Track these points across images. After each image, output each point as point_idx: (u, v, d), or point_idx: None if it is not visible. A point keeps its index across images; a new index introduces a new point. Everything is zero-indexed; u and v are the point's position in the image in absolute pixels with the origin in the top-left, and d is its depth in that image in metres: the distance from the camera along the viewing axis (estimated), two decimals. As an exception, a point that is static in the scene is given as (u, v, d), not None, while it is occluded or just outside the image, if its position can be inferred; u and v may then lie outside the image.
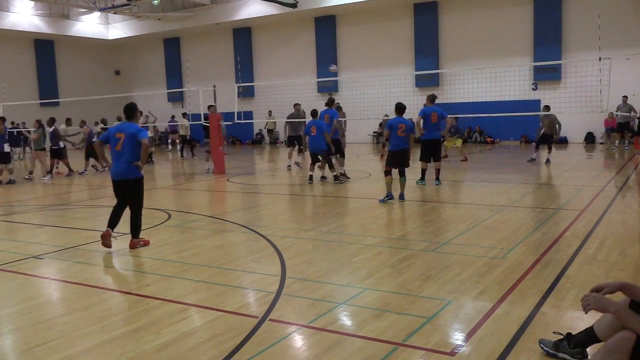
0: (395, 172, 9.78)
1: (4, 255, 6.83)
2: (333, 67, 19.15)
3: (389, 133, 9.68)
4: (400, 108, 9.92)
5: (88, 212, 10.23)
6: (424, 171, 11.75)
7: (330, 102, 13.63)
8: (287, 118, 16.53)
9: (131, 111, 7.12)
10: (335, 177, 12.63)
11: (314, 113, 13.03)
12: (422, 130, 11.50)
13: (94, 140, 16.36)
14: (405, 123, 9.66)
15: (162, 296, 5.06)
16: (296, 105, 16.83)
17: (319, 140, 12.38)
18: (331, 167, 12.67)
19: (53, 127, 16.77)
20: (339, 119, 13.77)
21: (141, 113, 20.02)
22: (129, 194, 7.09)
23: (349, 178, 13.00)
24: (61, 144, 16.63)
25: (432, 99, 11.74)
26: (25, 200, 12.40)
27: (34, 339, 4.18)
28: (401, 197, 9.66)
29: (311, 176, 12.83)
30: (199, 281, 5.54)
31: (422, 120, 11.46)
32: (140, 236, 7.07)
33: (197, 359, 3.76)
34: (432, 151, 11.57)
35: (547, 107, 15.68)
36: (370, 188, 11.90)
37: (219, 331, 4.19)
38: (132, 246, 6.92)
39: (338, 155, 13.06)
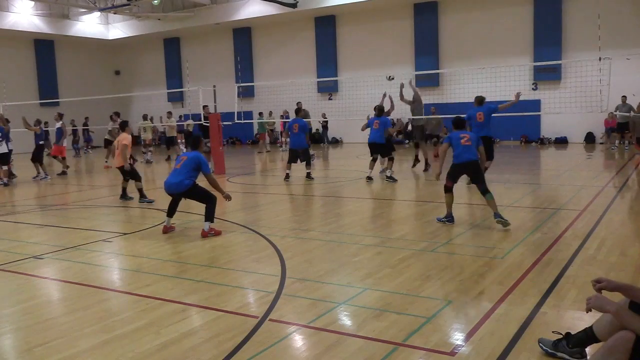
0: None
1: (4, 255, 6.84)
2: (390, 76, 18.81)
3: (448, 146, 7.86)
4: (458, 123, 8.15)
5: (88, 212, 10.23)
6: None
7: (297, 111, 14.36)
8: (288, 118, 16.82)
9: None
10: (308, 175, 13.46)
11: (297, 111, 14.10)
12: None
13: (41, 142, 16.30)
14: (469, 133, 7.96)
15: (162, 296, 5.06)
16: (298, 104, 17.39)
17: (301, 138, 13.17)
18: (309, 164, 13.57)
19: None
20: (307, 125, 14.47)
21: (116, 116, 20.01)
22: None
23: (313, 179, 13.53)
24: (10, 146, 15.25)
25: (479, 100, 11.72)
26: (25, 200, 12.40)
27: (34, 339, 4.18)
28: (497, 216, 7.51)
29: (287, 174, 13.41)
30: (199, 281, 5.54)
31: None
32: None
33: (197, 359, 3.76)
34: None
35: None
36: (370, 188, 11.90)
37: (219, 331, 4.20)
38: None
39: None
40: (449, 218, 7.79)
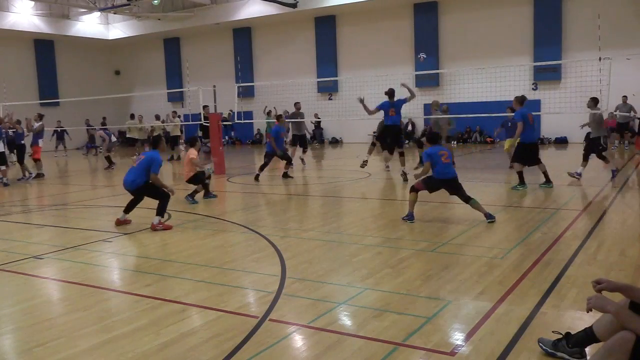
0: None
1: (4, 255, 6.84)
2: (422, 56, 18.24)
3: (429, 165, 7.98)
4: (433, 138, 8.30)
5: (88, 212, 10.23)
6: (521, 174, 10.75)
7: (278, 117, 14.46)
8: (289, 117, 16.86)
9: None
10: (285, 175, 13.74)
11: (278, 117, 14.36)
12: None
13: (22, 141, 16.08)
14: (446, 150, 8.21)
15: (162, 296, 5.07)
16: (296, 104, 17.13)
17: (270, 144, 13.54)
18: (289, 163, 13.80)
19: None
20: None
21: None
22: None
23: (292, 177, 13.79)
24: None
25: (520, 100, 10.84)
26: (25, 200, 12.41)
27: (34, 339, 4.18)
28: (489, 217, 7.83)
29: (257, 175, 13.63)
30: (199, 281, 5.54)
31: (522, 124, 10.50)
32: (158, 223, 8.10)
33: (197, 359, 3.76)
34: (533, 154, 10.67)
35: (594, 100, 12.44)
36: (370, 188, 11.90)
37: (219, 331, 4.20)
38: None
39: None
40: (409, 216, 8.03)
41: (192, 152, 10.87)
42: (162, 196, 8.20)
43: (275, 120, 14.41)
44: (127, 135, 22.21)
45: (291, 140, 17.51)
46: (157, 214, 8.09)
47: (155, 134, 21.49)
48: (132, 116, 23.11)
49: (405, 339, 3.94)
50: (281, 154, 13.51)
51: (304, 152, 16.77)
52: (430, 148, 8.15)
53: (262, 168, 13.66)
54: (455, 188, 8.06)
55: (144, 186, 8.22)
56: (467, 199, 7.92)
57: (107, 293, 5.37)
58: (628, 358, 2.91)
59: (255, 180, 13.43)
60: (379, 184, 12.74)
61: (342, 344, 3.89)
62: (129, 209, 8.51)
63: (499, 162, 16.14)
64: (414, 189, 8.12)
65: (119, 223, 8.42)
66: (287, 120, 16.69)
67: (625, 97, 19.01)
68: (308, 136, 20.32)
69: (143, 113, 24.69)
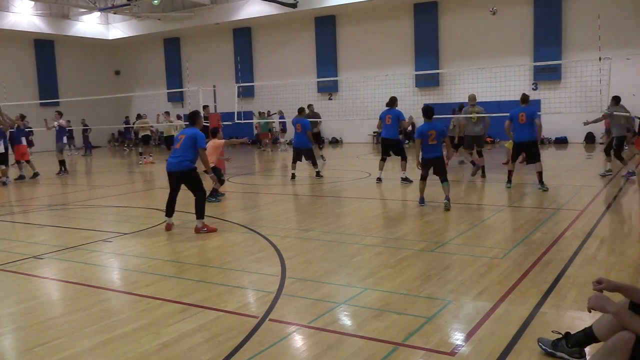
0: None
1: (4, 255, 6.84)
2: (494, 9, 17.54)
3: (420, 142, 9.04)
4: (427, 112, 9.24)
5: (88, 212, 10.24)
6: (510, 173, 11.00)
7: (301, 110, 14.67)
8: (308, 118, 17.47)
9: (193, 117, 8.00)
10: (317, 173, 13.61)
11: (300, 110, 14.58)
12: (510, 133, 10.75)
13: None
14: (436, 129, 9.02)
15: (162, 296, 5.07)
16: (310, 106, 18.69)
17: (303, 137, 13.37)
18: (315, 164, 13.70)
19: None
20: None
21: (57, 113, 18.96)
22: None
23: (322, 177, 13.68)
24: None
25: (521, 98, 10.83)
26: (25, 200, 12.41)
27: (34, 339, 4.18)
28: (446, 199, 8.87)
29: (293, 174, 13.51)
30: (199, 281, 5.54)
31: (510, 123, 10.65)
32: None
33: (197, 359, 3.76)
34: (528, 153, 10.69)
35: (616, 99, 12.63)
36: (370, 188, 11.90)
37: (219, 331, 4.20)
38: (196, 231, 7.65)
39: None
40: (420, 200, 9.19)
41: (216, 142, 10.91)
42: (200, 192, 7.69)
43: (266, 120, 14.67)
44: (141, 134, 21.87)
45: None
46: (198, 217, 7.62)
47: (143, 134, 21.42)
48: (139, 116, 23.03)
49: (405, 339, 3.94)
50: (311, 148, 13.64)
51: (320, 148, 17.91)
52: (422, 125, 9.07)
53: (314, 163, 13.72)
54: (437, 167, 9.04)
55: (191, 171, 7.68)
56: (442, 180, 8.94)
57: (107, 293, 5.37)
58: (628, 358, 2.90)
59: (317, 176, 13.55)
60: (383, 184, 12.73)
61: (342, 344, 3.89)
62: (170, 210, 7.92)
63: (499, 162, 16.15)
64: (421, 177, 9.18)
65: (169, 228, 7.88)
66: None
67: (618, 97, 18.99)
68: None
69: (142, 113, 24.71)
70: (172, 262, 6.32)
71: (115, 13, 29.82)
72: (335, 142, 28.24)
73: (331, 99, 27.68)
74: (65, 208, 10.89)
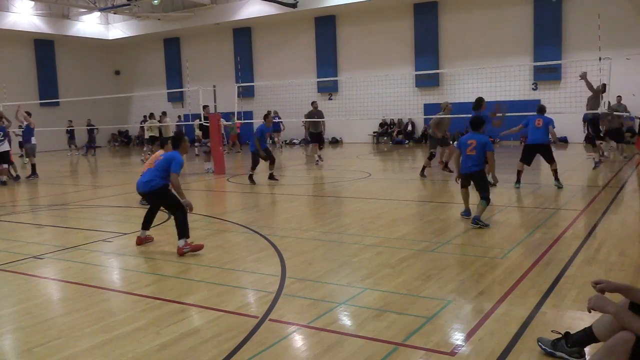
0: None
1: (4, 255, 6.84)
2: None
3: (459, 153, 8.19)
4: (474, 122, 8.21)
5: (88, 212, 10.23)
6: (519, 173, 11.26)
7: (265, 117, 14.13)
8: (306, 117, 17.64)
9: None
10: (271, 176, 13.19)
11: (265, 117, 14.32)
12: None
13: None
14: (478, 139, 7.93)
15: (162, 296, 5.07)
16: (313, 103, 18.04)
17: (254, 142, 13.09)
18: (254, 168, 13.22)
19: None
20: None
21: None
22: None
23: (277, 180, 13.24)
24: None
25: (540, 109, 11.68)
26: (25, 200, 12.41)
27: (34, 339, 4.18)
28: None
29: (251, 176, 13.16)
30: (199, 281, 5.54)
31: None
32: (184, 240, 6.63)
33: (197, 359, 3.76)
34: (543, 155, 11.14)
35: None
36: (370, 188, 11.90)
37: (219, 331, 4.20)
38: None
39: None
40: (465, 212, 8.16)
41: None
42: (176, 209, 6.65)
43: (237, 123, 14.32)
44: (150, 134, 21.71)
45: (309, 137, 18.34)
46: (181, 237, 6.54)
47: (151, 134, 21.37)
48: (152, 115, 22.89)
49: (405, 339, 3.94)
50: (264, 154, 13.06)
51: (320, 148, 17.42)
52: (465, 135, 8.24)
53: (253, 168, 13.21)
54: (475, 181, 7.89)
55: (162, 190, 6.74)
56: (480, 197, 7.66)
57: (107, 293, 5.37)
58: (628, 358, 2.91)
59: (249, 180, 13.04)
60: (379, 184, 12.74)
61: (342, 344, 3.89)
62: (146, 223, 7.15)
63: (499, 162, 16.17)
64: (462, 185, 8.22)
65: (140, 242, 7.11)
66: (305, 119, 16.94)
67: (620, 97, 19.01)
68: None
69: (142, 113, 24.66)
70: (172, 262, 6.32)
71: (115, 13, 29.80)
72: (335, 142, 28.23)
73: (331, 99, 27.67)
74: (65, 208, 10.89)
